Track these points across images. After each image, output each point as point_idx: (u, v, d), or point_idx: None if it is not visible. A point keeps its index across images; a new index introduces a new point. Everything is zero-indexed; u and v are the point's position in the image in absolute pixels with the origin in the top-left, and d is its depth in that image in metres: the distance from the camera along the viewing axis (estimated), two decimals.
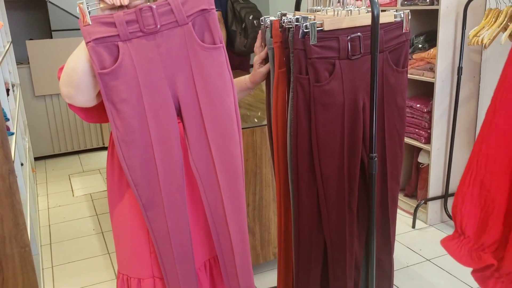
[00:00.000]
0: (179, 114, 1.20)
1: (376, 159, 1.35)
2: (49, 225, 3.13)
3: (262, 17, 1.62)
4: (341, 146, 1.41)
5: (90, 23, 1.06)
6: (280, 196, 1.56)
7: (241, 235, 1.31)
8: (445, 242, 0.89)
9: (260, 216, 2.29)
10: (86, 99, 1.17)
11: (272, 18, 1.53)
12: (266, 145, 2.22)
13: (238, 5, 3.97)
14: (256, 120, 2.31)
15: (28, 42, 4.20)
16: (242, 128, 2.17)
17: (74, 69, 1.12)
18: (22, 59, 4.32)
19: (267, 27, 1.55)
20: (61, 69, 1.19)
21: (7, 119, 2.30)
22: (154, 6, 1.07)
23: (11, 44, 3.90)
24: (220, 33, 1.13)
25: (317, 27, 1.31)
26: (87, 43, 1.06)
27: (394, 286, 1.71)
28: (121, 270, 1.42)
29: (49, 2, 4.97)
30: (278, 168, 1.52)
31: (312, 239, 1.50)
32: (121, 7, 1.09)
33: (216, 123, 1.18)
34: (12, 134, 2.24)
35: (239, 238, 1.31)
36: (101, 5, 1.08)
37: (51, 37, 5.00)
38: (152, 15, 1.07)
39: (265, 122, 2.23)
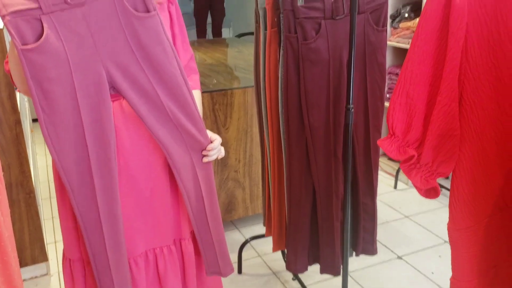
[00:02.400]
0: (116, 90, 1.10)
1: (352, 110, 1.50)
2: (48, 181, 3.28)
3: None
4: (327, 99, 1.56)
5: None
6: (273, 146, 1.71)
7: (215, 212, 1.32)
8: (380, 142, 1.09)
9: (250, 172, 2.45)
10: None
11: None
12: None
13: None
14: (248, 82, 2.44)
15: None
16: (236, 88, 2.32)
17: (18, 63, 1.03)
18: None
19: None
20: (6, 62, 1.13)
21: None
22: None
23: None
24: (153, 0, 1.06)
25: None
26: (3, 16, 0.95)
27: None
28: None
29: None
30: (271, 119, 1.67)
31: (302, 183, 1.66)
32: None
33: (168, 90, 1.12)
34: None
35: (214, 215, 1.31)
36: None
37: None
38: None
39: None
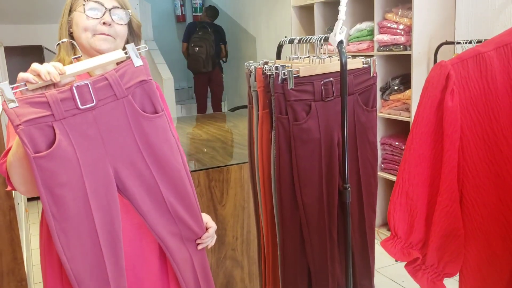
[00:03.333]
0: (120, 189, 1.11)
1: (349, 189, 1.50)
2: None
3: (247, 63, 1.80)
4: (320, 177, 1.56)
5: (17, 104, 0.96)
6: (267, 225, 1.69)
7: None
8: (383, 243, 1.05)
9: (248, 250, 2.40)
10: (25, 186, 1.10)
11: (256, 64, 1.71)
12: None
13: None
14: (244, 157, 2.46)
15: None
16: (232, 165, 2.33)
17: (22, 165, 1.04)
18: None
19: (251, 71, 1.73)
20: (1, 164, 1.11)
21: None
22: (90, 82, 1.02)
23: None
24: (160, 101, 1.11)
25: (294, 74, 1.49)
26: (16, 126, 0.96)
27: None
28: None
29: (45, 48, 5.20)
30: (265, 198, 1.66)
31: (297, 264, 1.62)
32: (50, 85, 1.03)
33: (171, 185, 1.15)
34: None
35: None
36: (28, 86, 1.00)
37: None
38: (89, 91, 1.02)
39: None
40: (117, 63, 1.10)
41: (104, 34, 1.23)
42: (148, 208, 1.13)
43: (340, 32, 1.43)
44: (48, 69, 0.99)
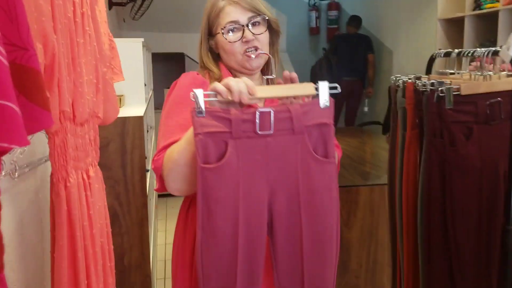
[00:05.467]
0: (269, 230, 1.08)
1: None
2: (165, 260, 3.32)
3: (393, 76, 1.64)
4: (479, 214, 1.33)
5: (204, 115, 1.00)
6: (408, 256, 1.49)
7: None
8: None
9: (373, 280, 2.20)
10: (181, 187, 1.12)
11: (405, 78, 1.54)
12: (384, 205, 2.16)
13: None
14: (374, 178, 2.28)
15: (166, 90, 4.67)
16: (362, 185, 2.17)
17: (188, 164, 1.07)
18: (159, 105, 4.80)
19: (398, 86, 1.56)
20: (157, 160, 1.14)
21: (146, 157, 2.55)
22: (273, 111, 1.02)
23: (153, 91, 4.37)
24: (334, 149, 1.07)
25: (454, 92, 1.29)
26: (196, 134, 1.00)
27: None
28: None
29: (186, 56, 5.52)
30: (407, 231, 1.48)
31: None
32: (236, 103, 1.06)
33: (315, 245, 1.07)
34: (147, 171, 2.47)
35: None
36: (218, 98, 1.02)
37: None
38: (269, 120, 1.02)
39: (384, 181, 2.19)
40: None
41: (252, 51, 1.22)
42: (282, 251, 1.07)
43: None
44: (241, 89, 1.01)
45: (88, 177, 0.87)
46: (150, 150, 3.27)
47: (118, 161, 1.98)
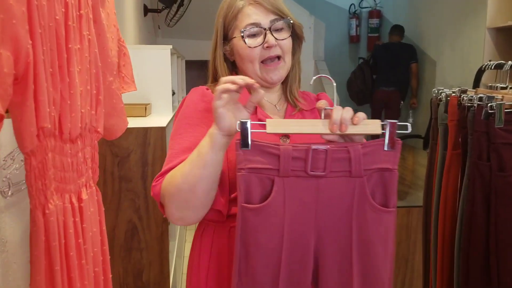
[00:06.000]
0: (314, 279, 0.96)
1: None
2: None
3: (435, 89, 1.48)
4: None
5: (250, 148, 0.90)
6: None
7: None
8: None
9: None
10: (200, 217, 1.01)
11: (448, 91, 1.39)
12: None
13: None
14: (413, 199, 2.11)
15: None
16: (398, 207, 2.00)
17: (192, 190, 0.94)
18: None
19: (440, 100, 1.41)
20: (155, 185, 1.01)
21: None
22: (328, 149, 0.89)
23: None
24: (396, 198, 0.93)
25: (506, 109, 1.13)
26: (239, 169, 0.90)
27: None
28: None
29: None
30: (442, 261, 1.31)
31: None
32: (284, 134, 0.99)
33: None
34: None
35: None
36: (231, 87, 0.91)
37: None
38: (323, 159, 0.89)
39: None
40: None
41: (272, 61, 1.08)
42: None
43: None
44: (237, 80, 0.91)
45: (80, 200, 0.78)
46: None
47: (139, 173, 1.91)
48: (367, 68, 5.52)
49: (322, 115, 0.92)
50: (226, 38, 1.12)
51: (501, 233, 1.16)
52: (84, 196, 0.80)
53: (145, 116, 2.24)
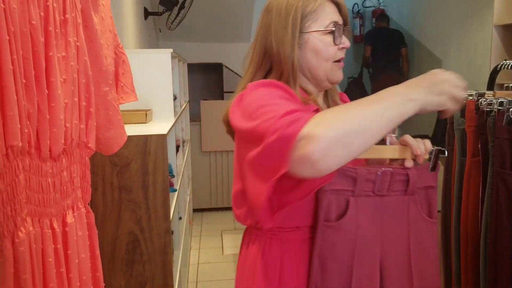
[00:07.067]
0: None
1: None
2: (197, 282, 3.15)
3: None
4: None
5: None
6: None
7: None
8: None
9: None
10: (332, 169, 0.86)
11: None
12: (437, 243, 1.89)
13: None
14: None
15: (202, 102, 4.54)
16: None
17: (369, 130, 0.84)
18: (195, 117, 4.67)
19: None
20: (297, 121, 0.84)
21: (173, 176, 2.40)
22: (392, 172, 0.99)
23: (188, 103, 4.25)
24: (437, 210, 1.07)
25: None
26: (323, 189, 0.97)
27: None
28: None
29: (225, 66, 5.39)
30: (465, 274, 1.23)
31: None
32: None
33: None
34: (175, 191, 2.31)
35: None
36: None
37: (223, 98, 5.37)
38: (387, 181, 0.99)
39: None
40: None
41: (341, 62, 1.10)
42: None
43: None
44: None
45: (64, 224, 0.70)
46: (182, 165, 3.13)
47: (139, 182, 1.83)
48: (355, 87, 5.63)
49: (388, 141, 1.03)
50: (301, 29, 1.05)
51: None
52: (70, 219, 0.72)
53: (145, 123, 2.17)
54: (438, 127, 1.59)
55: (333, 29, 1.04)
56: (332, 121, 0.83)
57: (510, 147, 1.06)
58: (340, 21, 1.07)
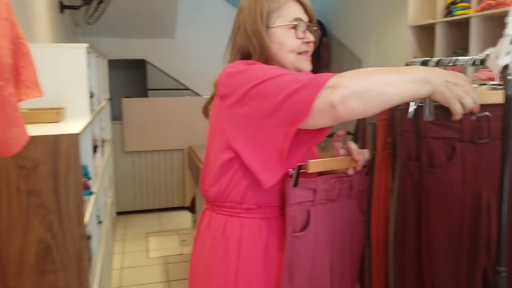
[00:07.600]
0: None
1: (504, 274, 1.05)
2: (120, 287, 3.03)
3: None
4: (458, 251, 1.12)
5: (297, 186, 1.08)
6: None
7: None
8: None
9: None
10: (347, 117, 0.97)
11: None
12: None
13: None
14: None
15: (124, 100, 4.37)
16: None
17: (388, 93, 0.94)
18: (117, 116, 4.49)
19: None
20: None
21: (89, 178, 2.28)
22: (341, 179, 1.13)
23: (109, 101, 4.07)
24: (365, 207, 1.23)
25: (434, 102, 1.09)
26: (290, 205, 1.07)
27: None
28: None
29: (148, 62, 5.24)
30: (377, 267, 1.26)
31: None
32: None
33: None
34: (91, 193, 2.19)
35: None
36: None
37: (147, 96, 5.21)
38: (339, 188, 1.13)
39: None
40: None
41: (307, 54, 1.20)
42: None
43: (506, 53, 1.01)
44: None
45: None
46: (101, 166, 2.99)
47: (50, 186, 1.70)
48: None
49: (341, 150, 1.19)
50: (267, 24, 1.18)
51: (432, 230, 1.12)
52: None
53: (58, 122, 2.03)
54: (358, 125, 1.63)
55: (295, 23, 1.15)
56: (360, 77, 0.95)
57: (416, 138, 1.10)
58: (305, 19, 1.17)
